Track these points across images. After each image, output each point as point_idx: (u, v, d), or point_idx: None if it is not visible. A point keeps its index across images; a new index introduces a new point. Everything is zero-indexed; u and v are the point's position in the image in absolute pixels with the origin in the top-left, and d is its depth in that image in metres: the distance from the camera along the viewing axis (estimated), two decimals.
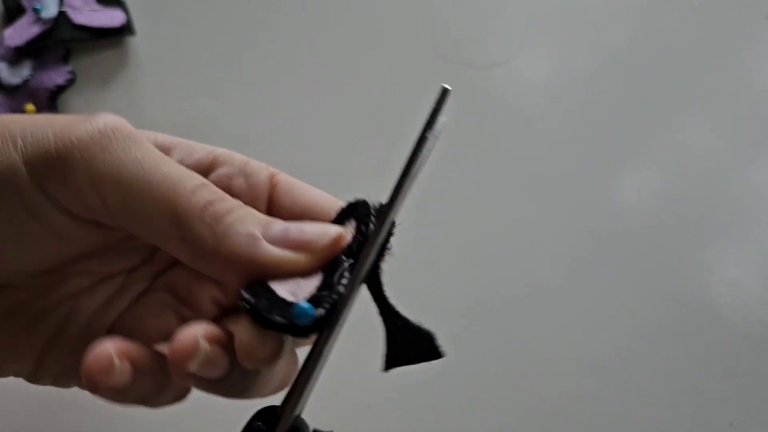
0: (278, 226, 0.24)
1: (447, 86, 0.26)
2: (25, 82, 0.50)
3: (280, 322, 0.22)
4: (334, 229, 0.26)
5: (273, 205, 0.28)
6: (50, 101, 0.50)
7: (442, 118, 0.26)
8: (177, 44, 0.55)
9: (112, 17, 0.51)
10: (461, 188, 0.50)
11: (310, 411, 0.44)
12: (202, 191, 0.23)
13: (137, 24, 0.54)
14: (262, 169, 0.29)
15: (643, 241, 0.49)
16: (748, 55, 0.55)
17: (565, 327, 0.46)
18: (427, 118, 0.26)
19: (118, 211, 0.23)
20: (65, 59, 0.51)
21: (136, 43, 0.54)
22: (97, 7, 0.52)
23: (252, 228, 0.23)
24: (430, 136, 0.26)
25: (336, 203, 0.29)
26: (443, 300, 0.47)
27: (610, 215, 0.49)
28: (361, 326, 0.46)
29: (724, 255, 0.48)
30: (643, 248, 0.48)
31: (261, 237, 0.23)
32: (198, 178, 0.24)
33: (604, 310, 0.47)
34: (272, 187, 0.28)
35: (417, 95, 0.54)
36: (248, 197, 0.27)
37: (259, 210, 0.25)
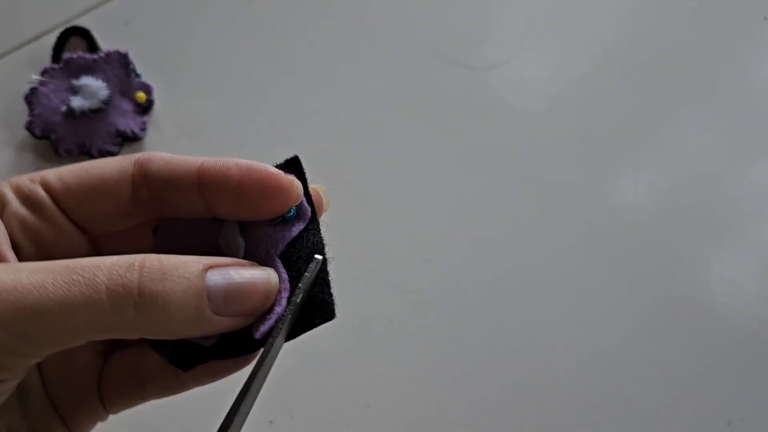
0: (219, 296, 0.22)
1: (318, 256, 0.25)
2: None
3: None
4: (273, 289, 0.24)
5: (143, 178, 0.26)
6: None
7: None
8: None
9: (141, 124, 0.52)
10: (460, 188, 0.50)
11: (309, 411, 0.44)
12: (113, 282, 0.21)
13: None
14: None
15: (641, 241, 0.49)
16: (747, 55, 0.55)
17: (563, 326, 0.46)
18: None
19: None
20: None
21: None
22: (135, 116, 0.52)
23: (195, 304, 0.22)
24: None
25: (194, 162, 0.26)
26: (443, 300, 0.47)
27: (608, 215, 0.49)
28: (361, 326, 0.46)
29: (722, 254, 0.49)
30: (641, 247, 0.49)
31: (207, 311, 0.22)
32: (99, 271, 0.21)
33: (602, 309, 0.47)
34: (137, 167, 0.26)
35: (417, 96, 0.54)
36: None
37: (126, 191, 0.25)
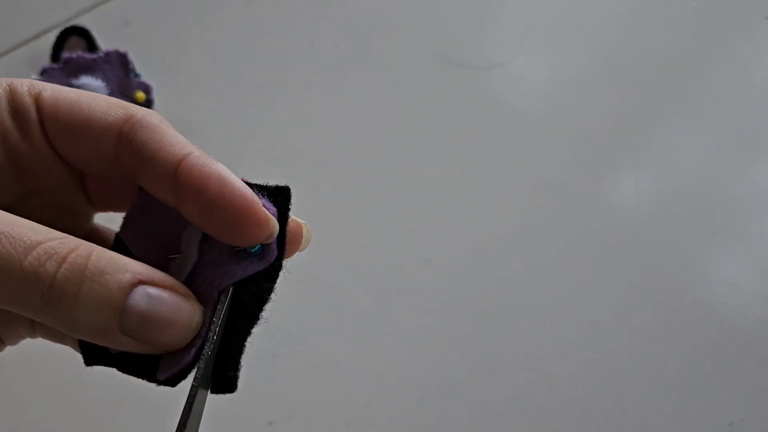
0: (134, 318, 0.21)
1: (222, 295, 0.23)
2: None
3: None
4: (191, 330, 0.22)
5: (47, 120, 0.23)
6: None
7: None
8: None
9: None
10: (460, 188, 0.50)
11: (309, 412, 0.44)
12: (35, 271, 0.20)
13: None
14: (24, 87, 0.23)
15: (641, 241, 0.49)
16: (747, 55, 0.55)
17: (564, 327, 0.46)
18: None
19: None
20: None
21: None
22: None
23: (105, 317, 0.20)
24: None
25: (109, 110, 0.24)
26: (443, 300, 0.47)
27: (609, 215, 0.49)
28: (361, 327, 0.46)
29: (723, 255, 0.48)
30: (641, 248, 0.48)
31: (115, 329, 0.20)
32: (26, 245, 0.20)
33: (603, 309, 0.47)
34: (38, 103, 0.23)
35: (417, 95, 0.54)
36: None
37: (31, 131, 0.22)
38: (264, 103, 0.53)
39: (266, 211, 0.22)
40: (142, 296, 0.21)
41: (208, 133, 0.52)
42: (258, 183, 0.24)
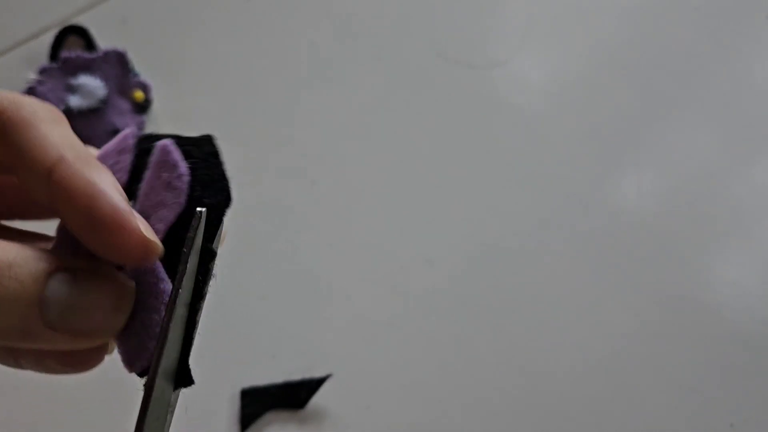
0: (55, 308, 0.18)
1: (201, 210, 0.20)
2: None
3: None
4: (125, 308, 0.20)
5: None
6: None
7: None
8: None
9: (139, 123, 0.51)
10: (460, 188, 0.50)
11: (309, 412, 0.44)
12: None
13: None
14: None
15: (643, 241, 0.49)
16: (748, 55, 0.55)
17: (565, 327, 0.46)
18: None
19: None
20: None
21: None
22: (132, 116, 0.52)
23: (22, 314, 0.18)
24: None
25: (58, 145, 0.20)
26: (444, 300, 0.47)
27: (610, 215, 0.49)
28: (361, 327, 0.46)
29: (725, 255, 0.48)
30: (643, 248, 0.48)
31: (38, 325, 0.18)
32: None
33: (604, 310, 0.47)
34: None
35: (418, 94, 0.54)
36: None
37: None
38: (264, 101, 0.53)
39: (142, 233, 0.19)
40: (60, 283, 0.18)
41: (207, 131, 0.51)
42: (178, 135, 0.22)
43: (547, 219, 0.49)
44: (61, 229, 0.22)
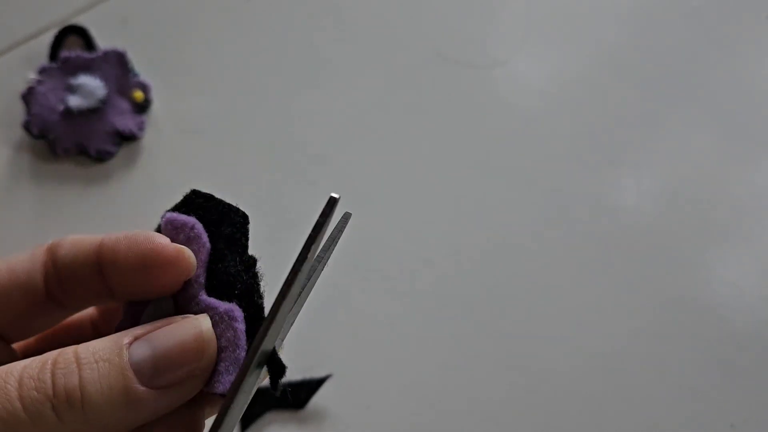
0: (147, 368, 0.19)
1: (335, 195, 0.23)
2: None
3: None
4: (207, 338, 0.21)
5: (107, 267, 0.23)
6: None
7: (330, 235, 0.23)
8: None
9: (139, 124, 0.51)
10: (460, 188, 0.50)
11: (308, 412, 0.44)
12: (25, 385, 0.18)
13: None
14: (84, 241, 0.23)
15: (642, 242, 0.48)
16: (747, 55, 0.55)
17: (565, 327, 0.46)
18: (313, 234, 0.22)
19: None
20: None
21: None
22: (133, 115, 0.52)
23: (120, 386, 0.19)
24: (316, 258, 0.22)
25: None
26: (444, 301, 0.46)
27: (610, 215, 0.49)
28: (360, 327, 0.46)
29: (725, 256, 0.48)
30: (642, 248, 0.48)
31: (138, 390, 0.19)
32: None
33: (604, 310, 0.46)
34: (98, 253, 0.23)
35: (418, 94, 0.54)
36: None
37: (88, 279, 0.22)
38: (263, 101, 0.53)
39: (174, 246, 0.22)
40: (141, 345, 0.20)
41: (207, 132, 0.52)
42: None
43: (547, 219, 0.49)
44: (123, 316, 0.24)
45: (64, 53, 0.51)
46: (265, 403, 0.43)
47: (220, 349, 0.21)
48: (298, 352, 0.44)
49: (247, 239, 0.24)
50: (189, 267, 0.22)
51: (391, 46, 0.55)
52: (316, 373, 0.43)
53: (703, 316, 0.46)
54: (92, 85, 0.50)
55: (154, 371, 0.19)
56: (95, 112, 0.50)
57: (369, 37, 0.55)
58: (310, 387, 0.43)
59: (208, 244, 0.23)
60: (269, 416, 0.43)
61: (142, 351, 0.20)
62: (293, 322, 0.23)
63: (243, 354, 0.21)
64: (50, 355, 0.19)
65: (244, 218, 0.24)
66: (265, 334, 0.20)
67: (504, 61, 0.54)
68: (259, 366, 0.21)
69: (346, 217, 0.24)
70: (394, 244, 0.48)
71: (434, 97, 0.53)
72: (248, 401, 0.22)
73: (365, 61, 0.54)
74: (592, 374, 0.45)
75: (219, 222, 0.24)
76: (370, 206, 0.49)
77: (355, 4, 0.56)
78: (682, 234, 0.49)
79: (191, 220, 0.23)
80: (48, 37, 0.52)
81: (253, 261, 0.23)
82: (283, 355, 0.22)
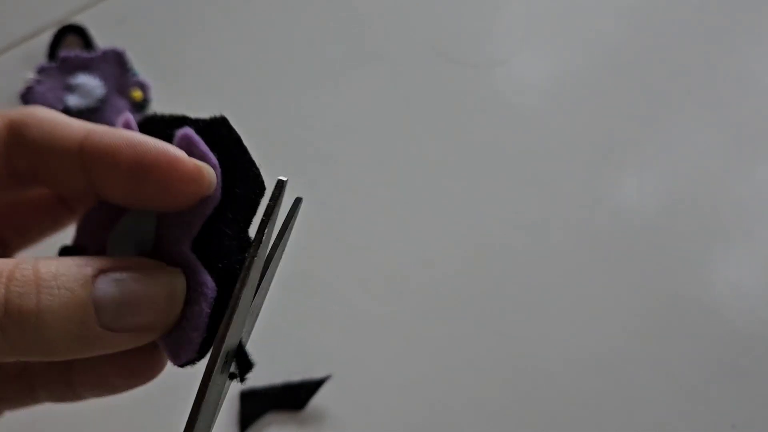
0: (110, 307, 0.18)
1: (283, 178, 0.20)
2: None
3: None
4: (177, 297, 0.20)
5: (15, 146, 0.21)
6: None
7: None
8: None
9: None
10: (461, 188, 0.50)
11: (307, 413, 0.44)
12: None
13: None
14: None
15: (643, 241, 0.48)
16: (750, 53, 0.55)
17: (565, 328, 0.46)
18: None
19: None
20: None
21: None
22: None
23: (78, 319, 0.18)
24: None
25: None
26: (444, 301, 0.46)
27: (610, 215, 0.49)
28: (360, 328, 0.46)
29: (726, 256, 0.48)
30: (643, 248, 0.48)
31: (95, 328, 0.18)
32: None
33: (605, 310, 0.46)
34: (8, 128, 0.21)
35: (417, 94, 0.54)
36: None
37: None
38: (263, 101, 0.52)
39: (194, 161, 0.20)
40: (108, 283, 0.18)
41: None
42: (189, 116, 0.22)
43: (547, 219, 0.49)
44: (92, 240, 0.22)
45: (63, 53, 0.51)
46: (265, 404, 0.43)
47: (179, 319, 0.20)
48: (298, 353, 0.44)
49: (254, 215, 0.21)
50: (209, 186, 0.20)
51: (391, 46, 0.55)
52: (316, 373, 0.43)
53: (704, 316, 0.46)
54: (91, 84, 0.50)
55: (115, 315, 0.18)
56: (94, 112, 0.50)
57: (369, 37, 0.55)
58: (310, 387, 0.43)
59: (219, 196, 0.20)
60: (269, 416, 0.43)
61: (107, 291, 0.18)
62: (257, 314, 0.21)
63: (198, 337, 0.19)
64: (6, 265, 0.18)
65: (261, 189, 0.21)
66: (229, 321, 0.19)
67: (504, 61, 0.54)
68: (227, 362, 0.20)
69: (297, 201, 0.21)
70: (393, 244, 0.48)
71: (435, 96, 0.53)
72: (219, 400, 0.20)
73: (365, 60, 0.54)
74: (592, 374, 0.45)
75: (234, 176, 0.21)
76: (370, 206, 0.49)
77: (355, 4, 0.56)
78: (682, 233, 0.49)
79: (215, 161, 0.20)
80: (47, 37, 0.52)
81: (248, 244, 0.20)
82: (250, 349, 0.21)
